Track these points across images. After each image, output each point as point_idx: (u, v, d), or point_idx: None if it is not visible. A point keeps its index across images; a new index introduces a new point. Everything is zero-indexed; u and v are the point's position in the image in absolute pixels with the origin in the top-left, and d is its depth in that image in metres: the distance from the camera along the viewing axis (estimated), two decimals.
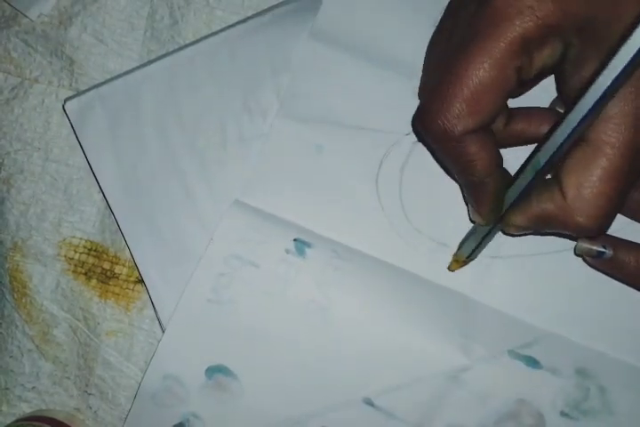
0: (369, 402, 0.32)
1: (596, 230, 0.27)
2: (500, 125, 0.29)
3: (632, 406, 0.31)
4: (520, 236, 0.31)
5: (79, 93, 0.35)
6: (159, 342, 0.33)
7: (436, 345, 0.31)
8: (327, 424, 0.32)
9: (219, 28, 0.35)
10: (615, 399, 0.31)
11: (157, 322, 0.35)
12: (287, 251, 0.32)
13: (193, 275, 0.32)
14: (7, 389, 0.37)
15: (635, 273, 0.30)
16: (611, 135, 0.25)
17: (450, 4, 0.30)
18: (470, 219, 0.31)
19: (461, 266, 0.32)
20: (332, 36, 0.32)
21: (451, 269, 0.32)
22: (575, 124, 0.25)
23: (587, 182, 0.26)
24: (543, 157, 0.27)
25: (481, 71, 0.25)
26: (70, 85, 0.36)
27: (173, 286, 0.34)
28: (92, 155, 0.34)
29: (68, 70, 0.36)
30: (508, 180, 0.28)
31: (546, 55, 0.25)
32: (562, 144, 0.26)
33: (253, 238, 0.32)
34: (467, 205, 0.31)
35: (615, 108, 0.25)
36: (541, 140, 0.27)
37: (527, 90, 0.31)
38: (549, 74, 0.27)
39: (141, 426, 0.34)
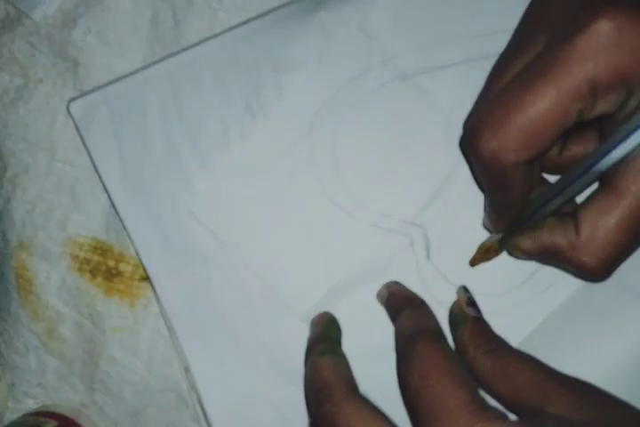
0: None
1: (599, 274, 0.28)
2: (555, 153, 0.29)
3: None
4: (523, 260, 0.31)
5: (83, 94, 0.35)
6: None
7: None
8: None
9: (221, 29, 0.35)
10: None
11: (162, 318, 0.36)
12: None
13: None
14: (13, 385, 0.38)
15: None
16: (639, 188, 0.26)
17: (515, 35, 0.29)
18: (483, 224, 0.32)
19: (482, 262, 0.32)
20: None
21: (473, 264, 0.33)
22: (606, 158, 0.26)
23: (603, 227, 0.27)
24: (568, 191, 0.27)
25: (545, 107, 0.25)
26: (74, 86, 0.37)
27: (179, 283, 0.34)
28: (96, 155, 0.35)
29: (72, 71, 0.36)
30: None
31: (609, 102, 0.25)
32: (578, 180, 0.26)
33: None
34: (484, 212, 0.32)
35: None
36: (569, 174, 0.27)
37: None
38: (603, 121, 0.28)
39: None
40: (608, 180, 0.27)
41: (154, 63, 0.35)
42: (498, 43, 0.29)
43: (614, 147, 0.25)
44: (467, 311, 0.30)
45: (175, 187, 0.34)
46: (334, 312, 0.33)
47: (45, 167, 0.37)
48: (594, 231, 0.27)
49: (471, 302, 0.31)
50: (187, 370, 0.35)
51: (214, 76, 0.34)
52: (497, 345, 0.28)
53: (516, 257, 0.31)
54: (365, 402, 0.27)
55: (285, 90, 0.34)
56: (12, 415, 0.38)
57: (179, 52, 0.35)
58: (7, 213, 0.37)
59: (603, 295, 0.32)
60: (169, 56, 0.35)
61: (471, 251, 0.32)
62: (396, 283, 0.33)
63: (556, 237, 0.28)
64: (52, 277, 0.37)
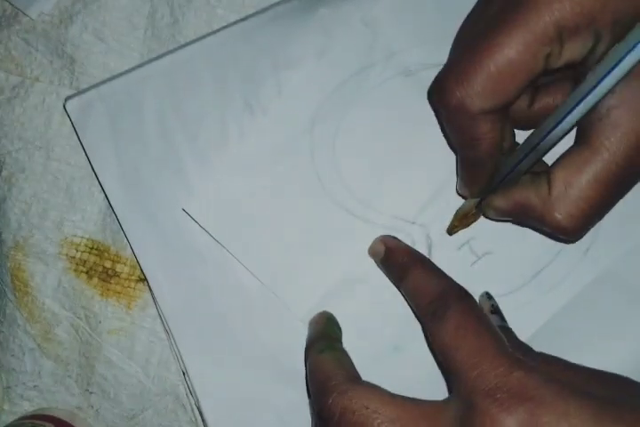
0: None
1: (571, 232, 0.27)
2: (524, 105, 0.29)
3: None
4: (498, 221, 0.31)
5: (80, 92, 0.35)
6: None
7: None
8: None
9: (219, 27, 0.35)
10: None
11: (159, 320, 0.35)
12: None
13: None
14: (9, 387, 0.37)
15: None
16: (613, 143, 0.25)
17: None
18: (457, 191, 0.31)
19: (461, 229, 0.32)
20: None
21: (450, 232, 0.32)
22: (574, 106, 0.25)
23: (576, 182, 0.26)
24: (541, 148, 0.27)
25: (511, 51, 0.24)
26: (71, 84, 0.36)
27: (176, 283, 0.34)
28: (92, 153, 0.34)
29: (68, 69, 0.36)
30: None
31: (576, 46, 0.25)
32: (554, 130, 0.26)
33: None
34: (457, 176, 0.31)
35: (625, 119, 0.25)
36: (538, 126, 0.26)
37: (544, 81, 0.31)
38: (571, 69, 0.27)
39: None
40: (581, 136, 0.26)
41: (151, 60, 0.34)
42: None
43: (584, 95, 0.25)
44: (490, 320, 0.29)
45: (173, 186, 0.34)
46: (334, 312, 0.33)
47: (41, 167, 0.36)
48: (566, 188, 0.26)
49: (495, 310, 0.30)
50: (184, 373, 0.35)
51: (213, 74, 0.34)
52: (521, 355, 0.28)
53: (492, 218, 0.31)
54: (374, 387, 0.27)
55: (285, 87, 0.33)
56: (7, 418, 0.37)
57: (176, 49, 0.34)
58: (2, 213, 0.36)
59: (606, 296, 0.32)
60: (166, 53, 0.34)
61: None
62: (393, 237, 0.32)
63: (529, 194, 0.27)
64: (47, 278, 0.36)
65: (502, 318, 0.30)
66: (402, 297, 0.32)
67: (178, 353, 0.34)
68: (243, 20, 0.34)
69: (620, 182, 0.26)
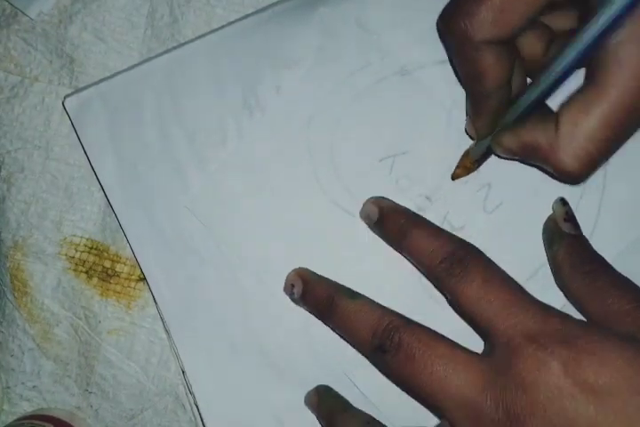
0: None
1: (576, 173, 0.27)
2: (539, 53, 0.28)
3: None
4: (505, 159, 0.31)
5: (79, 90, 0.35)
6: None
7: None
8: None
9: (219, 26, 0.35)
10: None
11: (159, 320, 0.35)
12: None
13: None
14: (8, 387, 0.37)
15: None
16: (620, 80, 0.25)
17: None
18: (465, 130, 0.31)
19: (465, 175, 0.32)
20: None
21: (454, 177, 0.32)
22: (584, 45, 0.24)
23: (582, 122, 0.26)
24: (545, 81, 0.26)
25: None
26: (70, 84, 0.36)
27: (176, 283, 0.34)
28: (91, 151, 0.34)
29: (68, 69, 0.36)
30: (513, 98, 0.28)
31: None
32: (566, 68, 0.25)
33: None
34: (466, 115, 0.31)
35: (634, 56, 0.25)
36: (546, 63, 0.26)
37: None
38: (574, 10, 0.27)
39: None
40: (589, 76, 0.26)
41: (150, 59, 0.34)
42: None
43: (592, 27, 0.24)
44: (563, 228, 0.30)
45: (171, 184, 0.34)
46: None
47: (40, 166, 0.36)
48: (573, 128, 0.26)
49: (569, 217, 0.30)
50: (184, 372, 0.34)
51: (211, 73, 0.34)
52: (594, 266, 0.28)
53: (500, 156, 0.30)
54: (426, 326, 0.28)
55: (283, 86, 0.33)
56: (6, 418, 0.37)
57: (175, 48, 0.34)
58: (1, 213, 0.36)
59: None
60: (165, 52, 0.34)
61: None
62: (385, 198, 0.32)
63: (537, 134, 0.27)
64: (47, 278, 0.36)
65: (577, 226, 0.30)
66: (403, 293, 0.32)
67: (177, 353, 0.34)
68: (242, 18, 0.34)
69: (627, 122, 0.26)
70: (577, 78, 0.27)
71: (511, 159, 0.30)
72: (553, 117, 0.27)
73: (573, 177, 0.27)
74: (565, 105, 0.27)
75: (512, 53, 0.27)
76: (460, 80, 0.31)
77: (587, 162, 0.26)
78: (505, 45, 0.26)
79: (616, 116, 0.25)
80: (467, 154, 0.32)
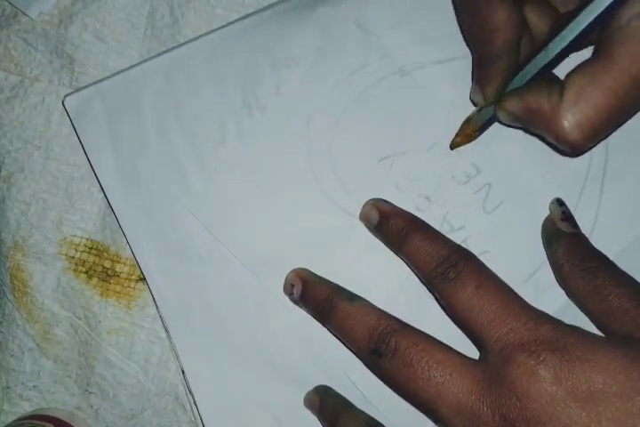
0: None
1: (575, 142, 0.26)
2: (545, 29, 0.28)
3: None
4: (508, 126, 0.31)
5: (79, 89, 0.35)
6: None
7: None
8: None
9: (219, 26, 0.35)
10: None
11: (159, 320, 0.35)
12: None
13: None
14: (8, 387, 0.37)
15: None
16: (629, 52, 0.25)
17: None
18: (470, 97, 0.31)
19: (465, 143, 0.32)
20: None
21: (454, 146, 0.32)
22: (594, 15, 0.25)
23: (587, 91, 0.26)
24: (553, 48, 0.26)
25: None
26: (70, 84, 0.36)
27: (175, 283, 0.34)
28: (91, 150, 0.34)
29: (68, 69, 0.36)
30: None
31: None
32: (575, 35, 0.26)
33: None
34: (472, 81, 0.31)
35: None
36: (553, 30, 0.26)
37: None
38: None
39: None
40: (599, 48, 0.26)
41: (150, 58, 0.34)
42: None
43: None
44: (561, 227, 0.30)
45: (171, 184, 0.34)
46: None
47: (40, 166, 0.36)
48: (578, 95, 0.26)
49: (567, 217, 0.30)
50: (183, 372, 0.34)
51: (211, 72, 0.34)
52: (594, 264, 0.28)
53: (504, 121, 0.30)
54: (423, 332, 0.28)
55: (283, 86, 0.33)
56: (6, 418, 0.37)
57: (175, 48, 0.34)
58: (1, 213, 0.36)
59: None
60: (165, 51, 0.34)
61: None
62: (385, 201, 0.32)
63: (542, 100, 0.27)
64: (47, 278, 0.36)
65: (574, 225, 0.30)
66: (400, 297, 0.32)
67: (176, 353, 0.34)
68: (241, 18, 0.34)
69: (632, 95, 0.26)
70: (584, 57, 0.27)
71: (514, 127, 0.30)
72: (559, 85, 0.27)
73: (573, 146, 0.27)
74: (572, 73, 0.26)
75: (523, 14, 0.27)
76: (468, 45, 0.31)
77: (588, 131, 0.26)
78: (518, 4, 0.26)
79: (622, 86, 0.25)
80: (468, 121, 0.31)
